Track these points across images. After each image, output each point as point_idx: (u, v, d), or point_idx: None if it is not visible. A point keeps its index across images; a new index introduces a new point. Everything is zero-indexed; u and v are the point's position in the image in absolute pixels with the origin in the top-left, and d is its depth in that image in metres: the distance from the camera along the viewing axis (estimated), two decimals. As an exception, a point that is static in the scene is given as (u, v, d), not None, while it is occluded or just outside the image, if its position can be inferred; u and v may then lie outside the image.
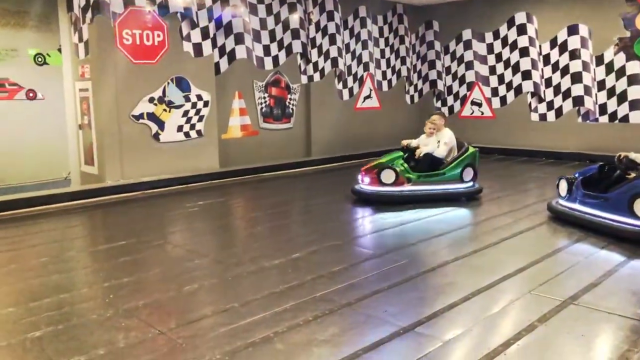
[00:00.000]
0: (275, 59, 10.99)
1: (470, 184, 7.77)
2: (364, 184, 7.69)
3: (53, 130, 9.60)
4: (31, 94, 9.35)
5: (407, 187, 7.53)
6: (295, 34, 11.09)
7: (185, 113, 9.57)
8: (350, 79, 12.57)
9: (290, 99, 11.83)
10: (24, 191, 8.39)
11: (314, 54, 11.66)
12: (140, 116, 9.02)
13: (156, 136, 9.23)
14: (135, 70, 8.88)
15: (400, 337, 3.52)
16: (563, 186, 6.45)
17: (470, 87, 13.36)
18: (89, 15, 8.44)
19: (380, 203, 7.47)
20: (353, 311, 3.96)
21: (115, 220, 7.41)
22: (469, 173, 7.70)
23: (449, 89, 13.85)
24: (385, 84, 13.43)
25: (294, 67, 11.33)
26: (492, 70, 12.93)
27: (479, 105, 13.28)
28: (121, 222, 7.25)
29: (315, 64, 11.71)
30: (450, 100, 13.87)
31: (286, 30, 11.00)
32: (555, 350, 3.34)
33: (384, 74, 13.40)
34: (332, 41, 11.87)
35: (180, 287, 4.53)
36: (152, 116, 9.14)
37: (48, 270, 5.06)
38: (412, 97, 14.07)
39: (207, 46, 9.69)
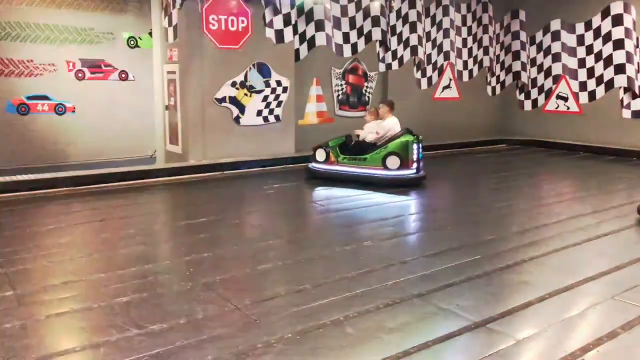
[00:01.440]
0: (355, 47, 10.98)
1: (408, 171, 8.02)
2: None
3: (142, 110, 10.15)
4: (123, 75, 9.91)
5: (335, 167, 8.39)
6: (376, 22, 11.01)
7: (265, 98, 9.80)
8: (429, 68, 12.33)
9: (368, 87, 11.81)
10: (114, 167, 8.95)
11: (393, 42, 11.53)
12: (223, 100, 9.34)
13: (237, 120, 9.53)
14: (220, 55, 9.18)
15: (472, 332, 3.49)
16: None
17: (556, 80, 12.73)
18: (178, 0, 8.80)
19: (314, 179, 8.55)
20: (424, 302, 3.95)
21: (196, 198, 7.76)
22: (394, 161, 7.99)
23: (534, 81, 13.27)
24: (466, 74, 13.07)
25: (373, 55, 11.27)
26: (582, 63, 12.25)
27: (565, 99, 12.64)
28: (202, 200, 7.58)
29: (395, 52, 11.59)
30: (534, 93, 13.30)
31: (367, 17, 10.94)
32: None
33: (465, 64, 13.04)
34: (413, 29, 11.68)
35: (255, 265, 4.70)
36: (234, 100, 9.44)
37: (135, 242, 5.40)
38: (493, 88, 13.60)
39: (288, 33, 9.83)
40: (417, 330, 3.52)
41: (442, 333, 3.46)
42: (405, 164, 8.01)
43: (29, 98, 9.07)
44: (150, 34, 10.35)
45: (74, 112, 9.47)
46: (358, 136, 8.63)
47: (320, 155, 8.54)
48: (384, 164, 8.02)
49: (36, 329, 3.50)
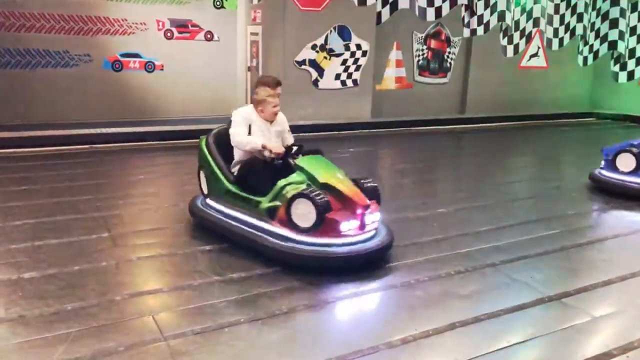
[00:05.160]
0: (438, 10, 10.58)
1: None
2: None
3: (225, 70, 10.44)
4: (209, 35, 10.18)
5: None
6: (463, -15, 10.60)
7: (344, 62, 9.79)
8: (517, 35, 11.75)
9: (450, 52, 11.47)
10: (196, 124, 9.33)
11: (480, 6, 11.02)
12: (303, 62, 9.42)
13: (315, 82, 9.60)
14: (302, 17, 9.22)
15: (545, 305, 3.45)
16: None
17: (658, 50, 11.79)
18: (264, -39, 8.88)
19: None
20: (497, 272, 3.93)
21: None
22: None
23: (631, 51, 12.34)
24: (555, 42, 12.29)
25: (457, 19, 10.87)
26: (689, 32, 11.25)
27: (667, 72, 11.71)
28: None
29: (480, 17, 11.09)
30: (631, 64, 12.38)
31: (454, -20, 10.55)
32: None
33: (555, 31, 12.27)
34: (501, -7, 11.15)
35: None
36: (313, 63, 9.50)
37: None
38: (585, 58, 12.72)
39: (371, -5, 9.69)
40: (489, 298, 3.52)
41: (514, 303, 3.44)
42: None
43: (122, 55, 9.57)
44: (235, -6, 10.54)
45: (162, 69, 9.89)
46: None
47: None
48: None
49: (128, 268, 3.82)
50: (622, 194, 5.83)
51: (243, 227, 4.09)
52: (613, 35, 12.60)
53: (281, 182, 3.92)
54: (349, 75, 9.96)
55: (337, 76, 9.84)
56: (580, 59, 12.70)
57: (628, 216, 5.45)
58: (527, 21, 11.79)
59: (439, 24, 11.08)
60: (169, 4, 9.88)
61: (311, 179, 3.93)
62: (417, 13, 10.57)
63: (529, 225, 5.00)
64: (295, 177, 3.95)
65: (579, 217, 5.37)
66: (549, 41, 12.22)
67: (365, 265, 3.81)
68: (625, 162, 5.95)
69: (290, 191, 3.84)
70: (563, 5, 12.21)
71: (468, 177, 7.10)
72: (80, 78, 9.31)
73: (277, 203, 3.89)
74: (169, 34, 9.96)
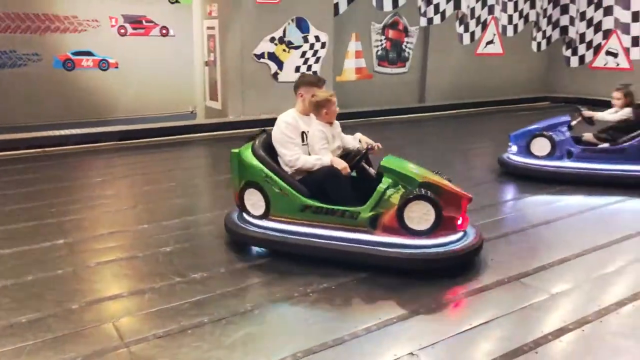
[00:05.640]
0: (395, 1, 10.70)
1: None
2: None
3: (182, 66, 10.24)
4: (164, 31, 9.96)
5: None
6: (418, -26, 10.69)
7: (303, 54, 9.74)
8: (472, 23, 11.94)
9: (408, 42, 11.56)
10: (153, 122, 9.15)
11: (436, -5, 11.18)
12: (262, 55, 9.33)
13: (275, 75, 9.53)
14: (259, 9, 9.12)
15: (505, 285, 3.53)
16: None
17: (606, 35, 12.16)
18: (217, -46, 8.73)
19: None
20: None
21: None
22: None
23: (582, 36, 12.70)
24: (510, 28, 12.60)
25: (414, 9, 10.98)
26: (635, 16, 11.62)
27: (615, 55, 12.09)
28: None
29: (437, 6, 11.25)
30: (582, 49, 12.75)
31: (408, -31, 10.63)
32: (674, 318, 3.17)
33: (510, 18, 12.55)
34: (456, -18, 11.29)
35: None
36: (272, 56, 9.42)
37: (177, 194, 5.58)
38: (539, 44, 13.09)
39: (327, -14, 9.67)
40: (448, 282, 3.57)
41: (476, 286, 3.50)
42: None
43: (74, 53, 9.27)
44: (190, -12, 10.33)
45: (116, 67, 9.63)
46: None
47: None
48: None
49: (86, 274, 3.72)
50: (538, 178, 5.91)
51: (335, 242, 3.73)
52: (564, 20, 12.95)
53: (380, 188, 3.67)
54: (309, 68, 9.92)
55: (297, 69, 9.78)
56: (534, 44, 13.03)
57: (583, 196, 5.59)
58: (482, 9, 12.00)
59: (396, 14, 11.14)
60: (122, 0, 9.62)
61: (405, 179, 3.72)
62: (374, 4, 10.65)
63: (492, 209, 5.09)
64: (387, 180, 3.72)
65: (533, 198, 5.50)
66: (504, 28, 12.48)
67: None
68: (540, 146, 5.98)
69: (392, 195, 3.65)
70: (516, -8, 12.46)
71: (431, 165, 7.16)
72: (29, 78, 8.96)
73: (380, 210, 3.67)
74: (122, 31, 9.70)
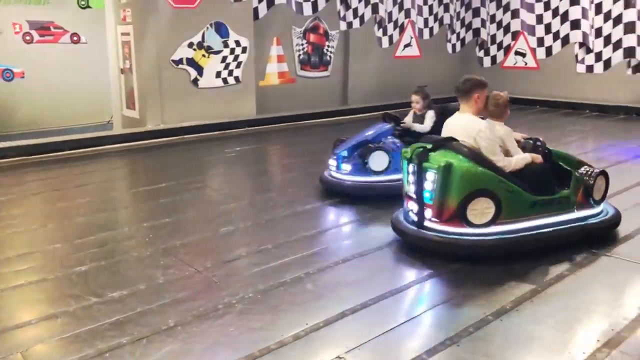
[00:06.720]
0: (315, 5, 10.76)
1: None
2: None
3: (96, 74, 9.79)
4: (75, 38, 9.49)
5: None
6: (336, -22, 10.81)
7: (224, 59, 9.58)
8: (390, 26, 12.23)
9: (329, 46, 11.67)
10: (68, 134, 8.68)
11: (354, -1, 11.36)
12: (180, 61, 9.09)
13: (195, 82, 9.31)
14: (175, 14, 8.88)
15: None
16: None
17: (515, 36, 12.82)
18: (128, -43, 8.42)
19: None
20: (383, 255, 4.07)
21: (155, 163, 7.63)
22: None
23: (493, 38, 13.34)
24: (426, 31, 13.02)
25: (334, 13, 11.09)
26: (539, 19, 12.33)
27: (523, 55, 12.79)
28: (161, 165, 7.45)
29: (355, 10, 11.42)
30: (493, 49, 13.38)
31: (326, -26, 10.72)
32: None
33: (425, 21, 12.97)
34: (374, -14, 11.52)
35: (217, 228, 4.69)
36: (191, 61, 9.20)
37: (92, 210, 5.30)
38: (453, 45, 13.61)
39: (246, -10, 9.57)
40: (376, 283, 3.59)
41: (397, 285, 3.55)
42: None
43: (-26, 63, 8.66)
44: (101, -7, 9.91)
45: (22, 77, 9.06)
46: None
47: None
48: None
49: (-9, 301, 3.44)
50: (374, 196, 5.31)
51: (554, 229, 4.07)
52: (476, 23, 13.54)
53: (575, 173, 4.24)
54: (230, 73, 9.77)
55: (218, 74, 9.61)
56: (449, 46, 13.52)
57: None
58: (399, 12, 12.32)
59: (316, 18, 11.22)
60: (26, 4, 9.07)
61: (569, 161, 4.42)
62: (293, 8, 10.65)
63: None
64: (564, 164, 4.39)
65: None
66: (420, 31, 12.87)
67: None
68: (379, 161, 5.39)
69: (581, 176, 4.23)
70: (430, -3, 12.90)
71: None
72: None
73: (576, 190, 4.20)
74: (28, 38, 9.16)
